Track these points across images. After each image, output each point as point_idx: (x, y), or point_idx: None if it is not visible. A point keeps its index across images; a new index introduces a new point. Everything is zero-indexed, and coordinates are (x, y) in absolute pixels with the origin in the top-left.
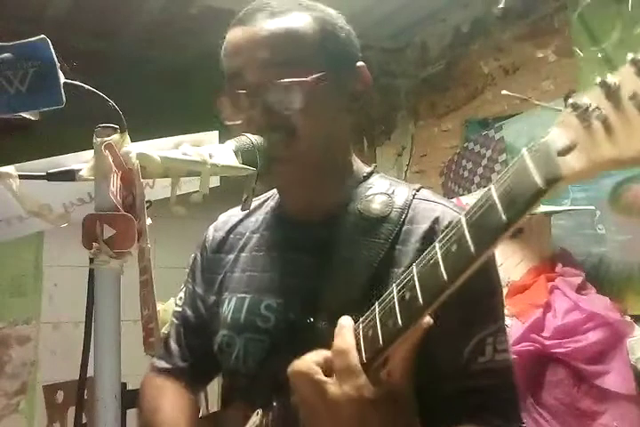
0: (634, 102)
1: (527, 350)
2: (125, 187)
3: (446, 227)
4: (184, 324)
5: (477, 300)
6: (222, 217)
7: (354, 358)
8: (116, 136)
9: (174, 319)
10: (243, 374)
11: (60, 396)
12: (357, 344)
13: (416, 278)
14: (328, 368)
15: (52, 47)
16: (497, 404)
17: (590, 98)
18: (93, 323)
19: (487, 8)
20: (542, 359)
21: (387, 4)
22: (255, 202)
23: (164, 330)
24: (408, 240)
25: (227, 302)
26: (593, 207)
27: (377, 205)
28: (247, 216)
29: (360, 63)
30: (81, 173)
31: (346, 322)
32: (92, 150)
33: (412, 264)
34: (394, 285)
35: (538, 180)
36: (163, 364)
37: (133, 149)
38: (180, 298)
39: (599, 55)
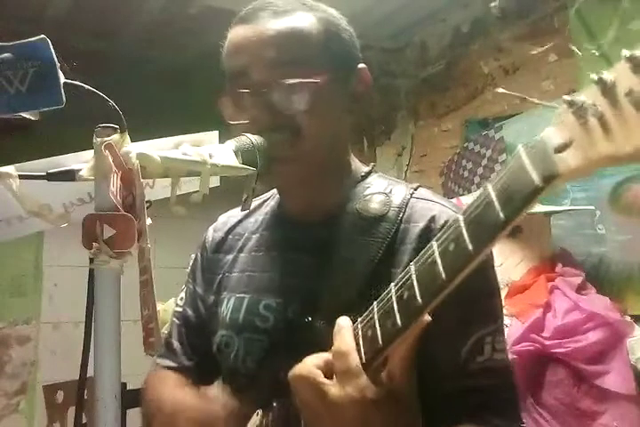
0: (629, 99)
1: (527, 350)
2: (125, 187)
3: (443, 225)
4: (185, 324)
5: (475, 299)
6: (222, 218)
7: (354, 359)
8: (115, 136)
9: (175, 319)
10: (242, 374)
11: (59, 396)
12: (357, 345)
13: (414, 278)
14: (329, 371)
15: (51, 47)
16: (497, 403)
17: (586, 95)
18: (93, 323)
19: (487, 8)
20: (542, 359)
21: (387, 4)
22: (255, 202)
23: (164, 330)
24: (405, 239)
25: (225, 302)
26: (593, 207)
27: (375, 204)
28: (246, 217)
29: (361, 65)
30: (81, 173)
31: (344, 323)
32: (92, 150)
33: (409, 263)
34: (392, 284)
35: (535, 177)
36: (168, 362)
37: (133, 149)
38: (182, 298)
39: (596, 53)
